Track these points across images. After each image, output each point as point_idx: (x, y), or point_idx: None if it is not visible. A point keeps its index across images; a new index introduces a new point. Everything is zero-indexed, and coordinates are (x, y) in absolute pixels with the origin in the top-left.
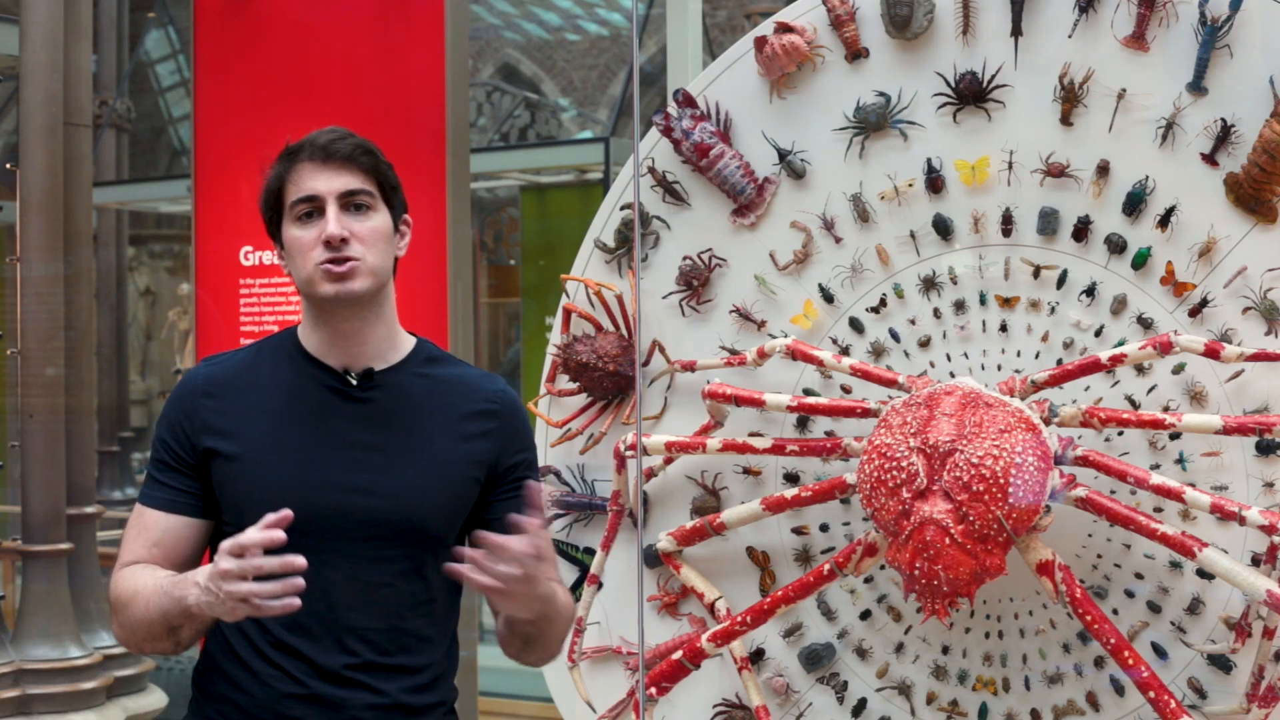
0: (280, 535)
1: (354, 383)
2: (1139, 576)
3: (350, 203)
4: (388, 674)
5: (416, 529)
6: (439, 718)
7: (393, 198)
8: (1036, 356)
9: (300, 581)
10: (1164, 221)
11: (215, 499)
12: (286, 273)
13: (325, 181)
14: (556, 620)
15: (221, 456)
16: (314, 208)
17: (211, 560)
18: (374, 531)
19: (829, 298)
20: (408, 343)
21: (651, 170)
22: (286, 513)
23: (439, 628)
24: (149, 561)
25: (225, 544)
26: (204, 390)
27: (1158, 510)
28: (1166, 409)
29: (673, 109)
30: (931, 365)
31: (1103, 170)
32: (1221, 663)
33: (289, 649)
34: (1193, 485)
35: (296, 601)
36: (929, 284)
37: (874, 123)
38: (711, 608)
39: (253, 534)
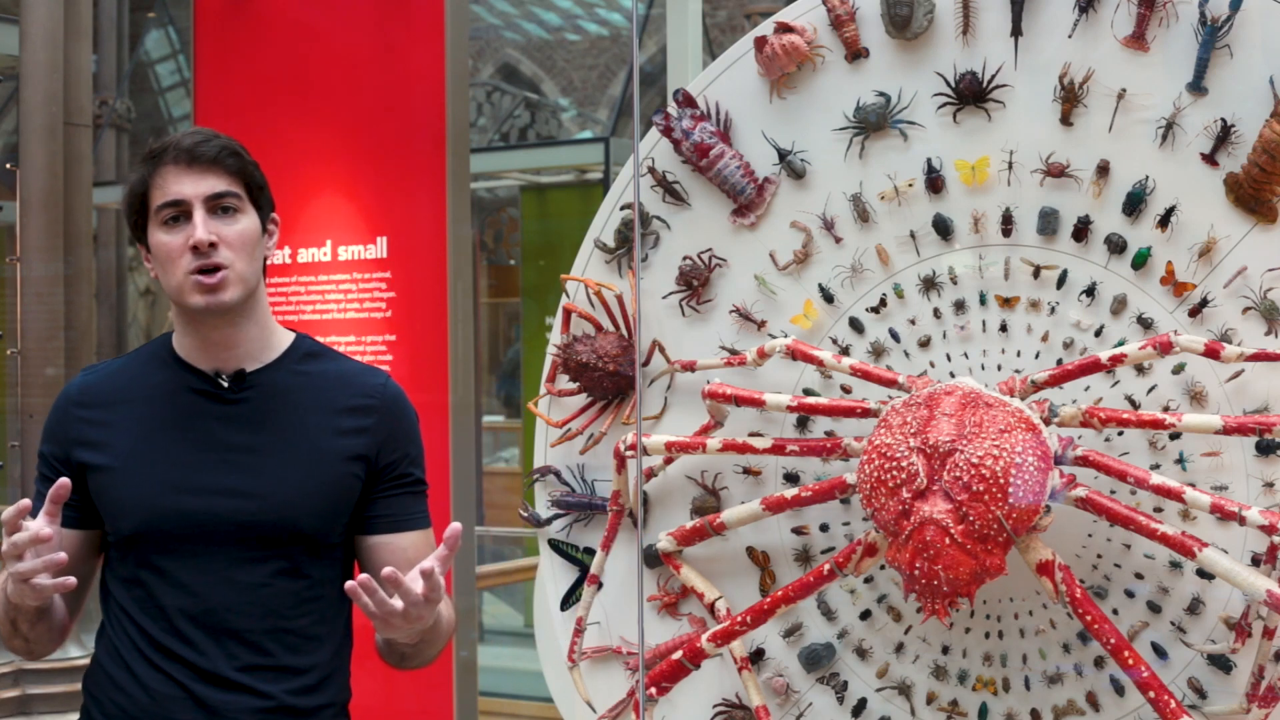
0: (25, 503)
1: (225, 385)
2: (1139, 576)
3: (217, 205)
4: (272, 675)
5: (292, 528)
6: (328, 719)
7: (260, 197)
8: (1036, 356)
9: (60, 557)
10: (1164, 221)
11: (95, 509)
12: (153, 277)
13: (191, 185)
14: (436, 641)
15: (93, 469)
16: (180, 212)
17: (105, 566)
18: (248, 533)
19: (829, 298)
20: (284, 340)
21: (651, 170)
22: (65, 481)
23: (327, 626)
24: None
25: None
26: (77, 400)
27: (1158, 510)
28: (1166, 409)
29: (673, 109)
30: (931, 365)
31: (1103, 170)
32: (1221, 663)
33: (169, 653)
34: (1193, 485)
35: (72, 580)
36: (929, 284)
37: (874, 123)
38: (711, 608)
39: (11, 508)
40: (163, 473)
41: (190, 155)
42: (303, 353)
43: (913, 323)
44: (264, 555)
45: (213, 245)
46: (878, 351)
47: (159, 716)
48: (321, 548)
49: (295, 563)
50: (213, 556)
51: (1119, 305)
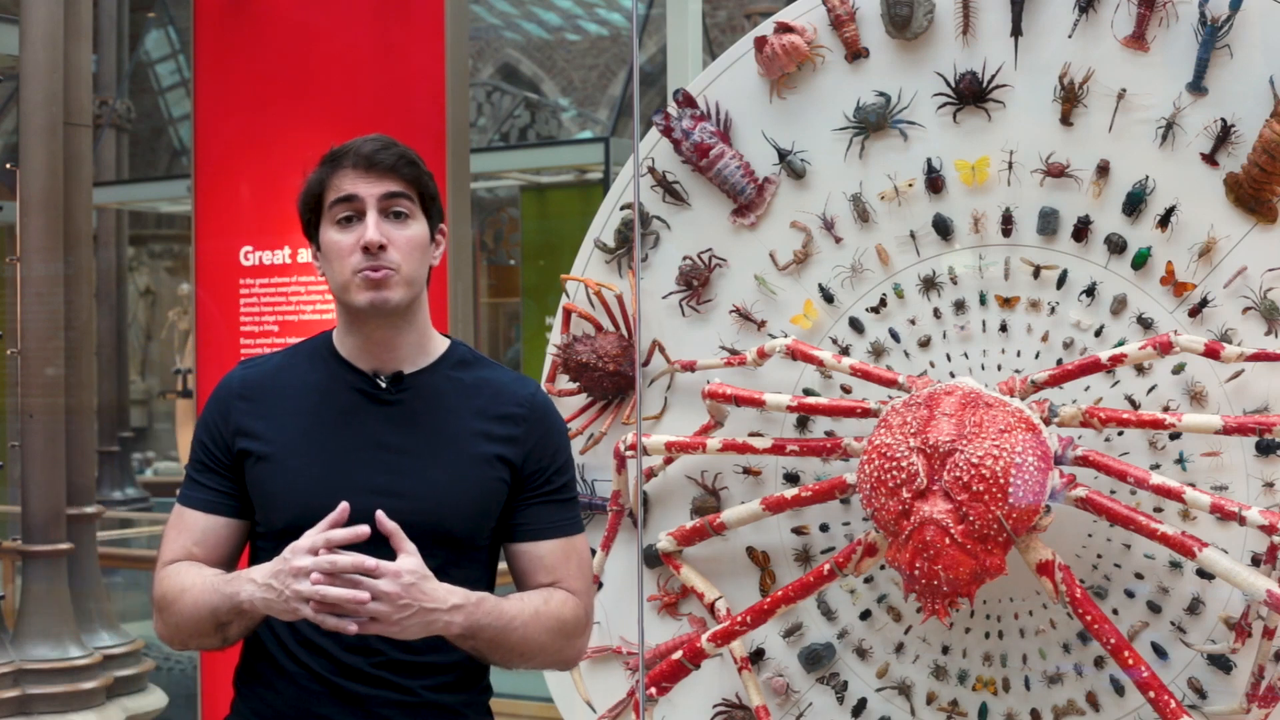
0: (365, 530)
1: (383, 385)
2: (1139, 576)
3: (389, 209)
4: (415, 672)
5: (441, 530)
6: (472, 716)
7: (431, 207)
8: (1036, 356)
9: (366, 595)
10: (1164, 221)
11: (250, 499)
12: (321, 274)
13: (366, 186)
14: (502, 641)
15: (254, 457)
16: (353, 210)
17: (251, 559)
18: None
19: (829, 298)
20: (440, 346)
21: (651, 170)
22: (362, 528)
23: None
24: (190, 560)
25: (300, 542)
26: (239, 393)
27: (1158, 510)
28: (1166, 409)
29: (673, 109)
30: (931, 365)
31: (1103, 170)
32: (1221, 663)
33: (314, 647)
34: (1193, 485)
35: (353, 626)
36: (929, 284)
37: (874, 123)
38: (711, 608)
39: (340, 534)
40: (319, 468)
41: (369, 161)
42: (457, 359)
43: (913, 323)
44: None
45: (382, 248)
46: (878, 351)
47: (304, 711)
48: (468, 550)
49: (442, 563)
50: (367, 554)
51: (1119, 305)
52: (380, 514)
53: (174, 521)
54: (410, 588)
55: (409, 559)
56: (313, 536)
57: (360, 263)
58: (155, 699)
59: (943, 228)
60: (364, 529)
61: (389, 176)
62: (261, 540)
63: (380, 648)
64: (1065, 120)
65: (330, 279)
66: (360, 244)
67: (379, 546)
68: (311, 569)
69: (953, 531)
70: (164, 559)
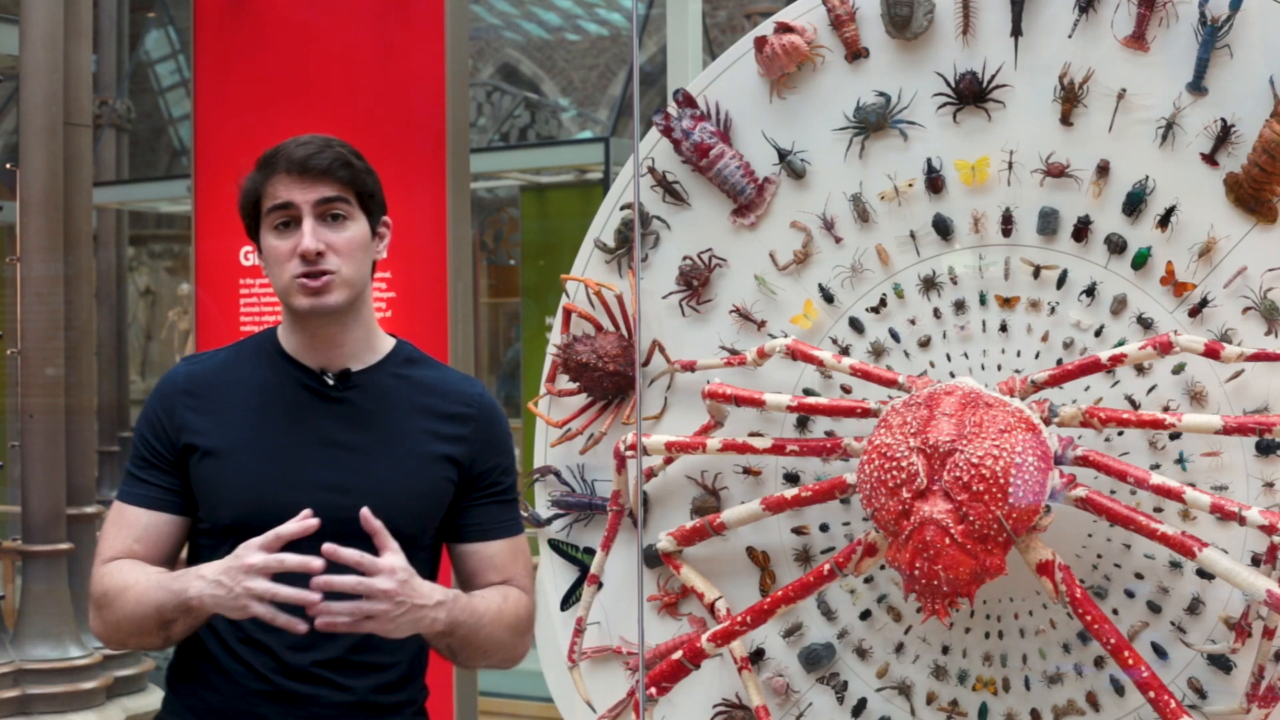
0: (314, 523)
1: (331, 382)
2: (1139, 576)
3: (326, 213)
4: (357, 671)
5: (390, 528)
6: (408, 717)
7: (370, 204)
8: (1036, 356)
9: (318, 596)
10: (1164, 221)
11: (193, 496)
12: (266, 275)
13: (301, 192)
14: (473, 638)
15: (199, 453)
16: (290, 216)
17: (193, 556)
18: (344, 529)
19: (829, 298)
20: (386, 344)
21: (651, 170)
22: (311, 521)
23: None
24: (131, 557)
25: (255, 539)
26: (184, 388)
27: (1158, 510)
28: (1166, 409)
29: (673, 109)
30: (931, 365)
31: (1103, 170)
32: (1221, 663)
33: (256, 645)
34: (1193, 485)
35: (302, 625)
36: (929, 284)
37: (874, 123)
38: (711, 608)
39: (290, 526)
40: (266, 465)
41: (302, 166)
42: (403, 358)
43: (913, 323)
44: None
45: (320, 254)
46: (878, 351)
47: (244, 709)
48: (414, 549)
49: None
50: (313, 552)
51: (1119, 305)
52: (365, 511)
53: (114, 518)
54: (404, 584)
55: (396, 556)
56: (276, 531)
57: (299, 269)
58: (155, 699)
59: (943, 228)
60: (313, 522)
61: (324, 181)
62: (205, 537)
63: (324, 646)
64: (1065, 120)
65: (272, 282)
66: (298, 252)
67: (319, 541)
68: (262, 567)
69: (953, 531)
70: (103, 556)
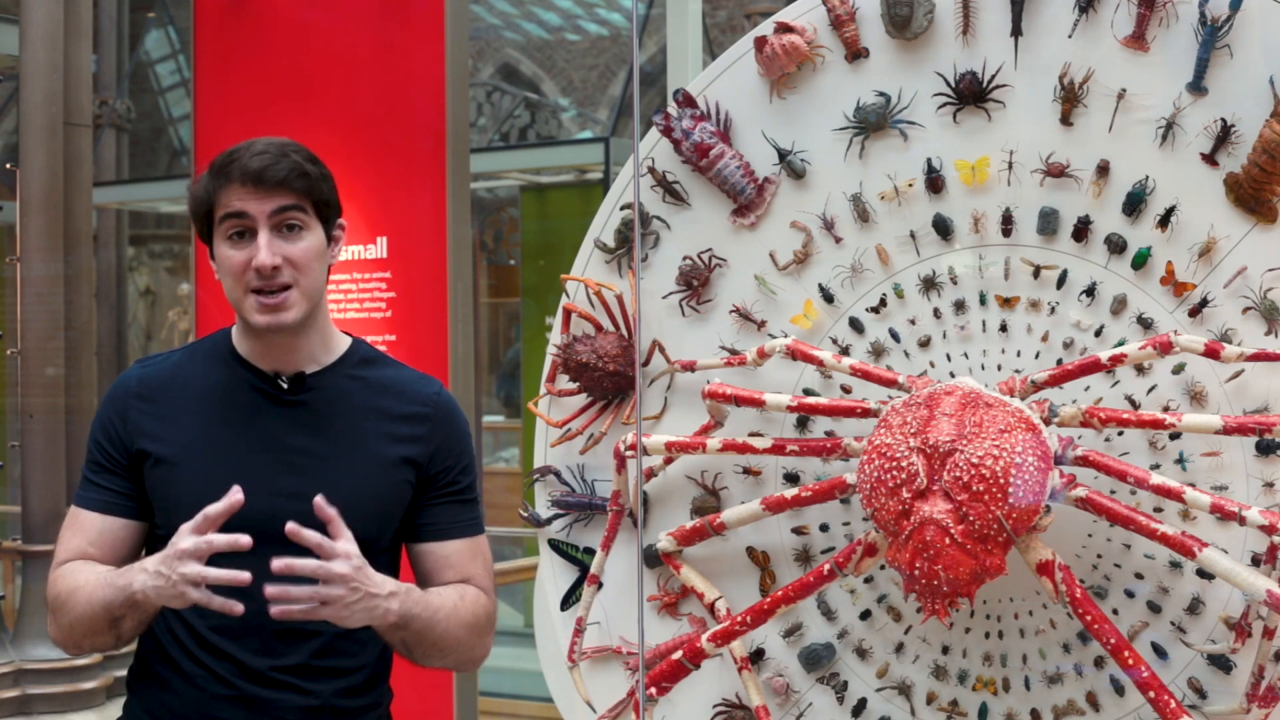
0: (240, 498)
1: (285, 386)
2: (1139, 576)
3: (282, 223)
4: (319, 676)
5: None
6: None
7: (325, 211)
8: (1036, 356)
9: (247, 576)
10: (1164, 221)
11: (149, 501)
12: (218, 279)
13: (256, 203)
14: (428, 633)
15: (152, 459)
16: (244, 226)
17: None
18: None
19: (829, 298)
20: (342, 344)
21: (651, 170)
22: (237, 497)
23: (374, 629)
24: (85, 560)
25: (186, 524)
26: (136, 392)
27: (1158, 510)
28: (1166, 409)
29: (673, 109)
30: (931, 365)
31: (1103, 170)
32: (1221, 663)
33: (217, 650)
34: (1193, 485)
35: (239, 606)
36: (929, 284)
37: (874, 123)
38: (711, 608)
39: (216, 507)
40: (221, 471)
41: (258, 177)
42: (359, 358)
43: (913, 323)
44: (319, 558)
45: (276, 268)
46: (878, 351)
47: (204, 713)
48: (373, 552)
49: None
50: (270, 557)
51: (1119, 305)
52: (319, 499)
53: (69, 523)
54: (359, 570)
55: (350, 544)
56: (204, 512)
57: (254, 281)
58: None
59: (943, 228)
60: (239, 498)
61: (279, 191)
62: (161, 543)
63: (284, 650)
64: (1065, 120)
65: (226, 291)
66: (253, 265)
67: (276, 546)
68: (192, 551)
69: (953, 531)
70: (58, 560)
